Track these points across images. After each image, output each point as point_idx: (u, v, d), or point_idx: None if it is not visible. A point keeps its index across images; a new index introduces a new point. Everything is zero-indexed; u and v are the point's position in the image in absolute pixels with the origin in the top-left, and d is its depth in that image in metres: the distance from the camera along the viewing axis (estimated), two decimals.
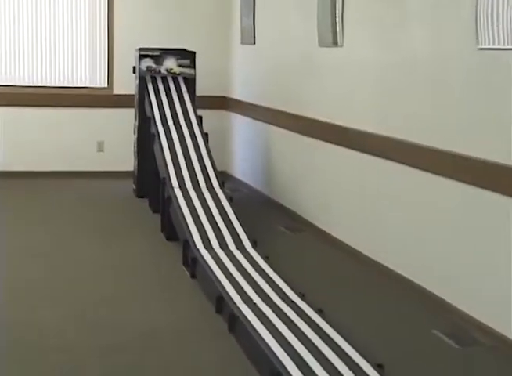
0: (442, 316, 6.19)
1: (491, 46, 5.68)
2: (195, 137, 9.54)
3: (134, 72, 10.43)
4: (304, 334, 5.45)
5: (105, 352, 5.49)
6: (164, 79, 10.30)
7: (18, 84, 11.77)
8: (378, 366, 4.90)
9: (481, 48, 5.79)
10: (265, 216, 9.54)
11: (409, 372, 5.00)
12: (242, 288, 6.45)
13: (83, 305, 6.50)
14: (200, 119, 9.88)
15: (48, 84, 11.87)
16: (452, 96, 6.28)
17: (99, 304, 6.50)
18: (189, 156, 9.20)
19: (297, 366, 4.87)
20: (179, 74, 10.32)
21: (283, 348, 5.15)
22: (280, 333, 5.45)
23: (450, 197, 6.29)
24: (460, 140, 6.13)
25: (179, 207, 8.28)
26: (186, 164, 9.06)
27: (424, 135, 6.63)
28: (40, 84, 11.85)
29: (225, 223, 8.07)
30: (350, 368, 4.87)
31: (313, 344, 5.27)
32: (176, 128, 9.63)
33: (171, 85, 10.28)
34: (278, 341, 5.27)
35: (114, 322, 6.12)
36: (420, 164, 6.68)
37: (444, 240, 6.38)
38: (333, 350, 5.15)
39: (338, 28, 8.26)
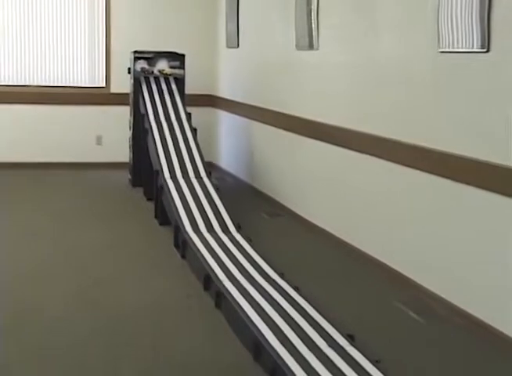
0: (404, 290, 6.18)
1: (450, 49, 5.69)
2: (184, 132, 9.55)
3: (129, 73, 10.39)
4: (282, 308, 5.47)
5: (103, 324, 5.46)
6: (157, 79, 10.28)
7: (24, 84, 11.77)
8: (349, 336, 4.91)
9: (442, 52, 5.79)
10: (248, 203, 9.52)
11: (375, 339, 4.98)
12: (227, 268, 6.44)
13: (82, 281, 6.48)
14: (189, 115, 9.87)
15: (52, 84, 11.88)
16: (416, 95, 6.26)
17: (97, 281, 6.49)
18: (180, 148, 9.20)
19: (276, 336, 4.89)
20: (170, 75, 10.30)
21: (264, 321, 5.17)
22: (261, 307, 5.47)
23: (410, 183, 6.28)
24: (421, 133, 6.12)
25: (171, 195, 8.29)
26: (177, 156, 9.07)
27: (390, 128, 6.62)
28: (44, 84, 11.85)
29: (211, 209, 8.07)
30: (323, 337, 4.89)
31: (290, 317, 5.29)
32: (167, 124, 9.63)
33: (163, 85, 10.26)
34: (259, 315, 5.30)
35: (111, 297, 6.09)
36: (384, 154, 6.69)
37: (405, 222, 6.38)
38: (308, 322, 5.18)
39: (314, 33, 8.24)
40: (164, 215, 8.31)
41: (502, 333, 5.06)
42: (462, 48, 5.54)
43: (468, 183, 5.46)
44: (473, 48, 5.40)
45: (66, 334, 5.25)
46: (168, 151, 9.11)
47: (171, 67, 10.30)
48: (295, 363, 4.47)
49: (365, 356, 4.59)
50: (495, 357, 4.96)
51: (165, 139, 9.34)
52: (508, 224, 5.05)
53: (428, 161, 6.00)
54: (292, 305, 5.53)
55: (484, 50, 5.27)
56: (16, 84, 11.73)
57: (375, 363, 4.49)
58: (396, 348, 5.03)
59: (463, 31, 5.50)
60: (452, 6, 5.63)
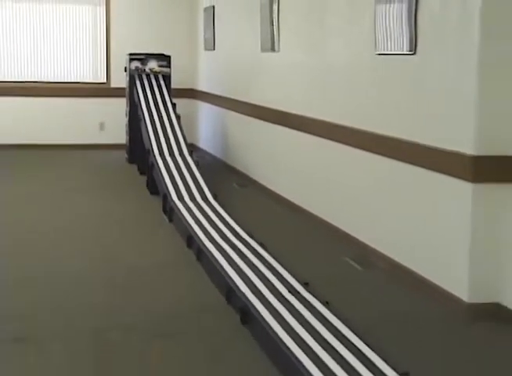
0: (350, 247, 6.17)
1: (385, 52, 5.68)
2: (171, 118, 9.52)
3: (125, 71, 10.36)
4: (250, 260, 5.48)
5: (104, 276, 5.46)
6: (148, 76, 10.23)
7: (39, 80, 11.74)
8: (304, 284, 4.91)
9: (379, 54, 5.78)
10: (222, 176, 9.49)
11: (326, 286, 4.97)
12: (206, 229, 6.44)
13: (83, 241, 6.46)
14: (174, 105, 9.83)
15: (62, 81, 11.87)
16: (359, 88, 6.25)
17: (97, 241, 6.49)
18: (167, 132, 9.19)
19: (245, 283, 4.89)
20: (159, 73, 10.27)
21: (235, 271, 5.18)
22: (233, 260, 5.48)
23: (355, 160, 6.26)
24: (365, 120, 6.08)
25: (159, 169, 8.29)
26: (164, 138, 9.07)
27: (340, 116, 6.58)
28: (56, 81, 11.83)
29: (193, 181, 8.06)
30: (283, 285, 4.90)
31: (257, 267, 5.31)
32: (157, 112, 9.60)
33: (153, 81, 10.20)
34: (231, 266, 5.30)
35: (110, 254, 6.08)
36: (334, 136, 6.64)
37: (352, 192, 6.37)
38: (271, 272, 5.20)
39: (275, 39, 8.20)
40: (154, 186, 8.28)
41: (422, 277, 5.10)
42: (394, 51, 5.54)
43: (402, 160, 5.45)
44: (403, 51, 5.40)
45: (77, 283, 5.24)
46: (157, 134, 9.10)
47: (160, 66, 10.29)
48: (260, 304, 4.47)
49: (317, 298, 4.61)
50: (415, 294, 4.99)
51: (155, 124, 9.33)
52: (435, 193, 5.06)
53: (369, 142, 5.98)
54: (258, 258, 5.54)
55: (412, 53, 5.27)
56: (32, 80, 11.71)
57: (325, 304, 4.50)
58: (342, 292, 5.04)
59: (395, 38, 5.51)
60: (385, 18, 5.65)
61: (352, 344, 3.91)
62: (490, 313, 4.57)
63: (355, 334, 4.05)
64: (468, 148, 4.58)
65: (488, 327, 4.46)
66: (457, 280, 4.74)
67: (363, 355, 3.77)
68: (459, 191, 4.69)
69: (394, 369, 3.59)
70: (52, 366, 3.84)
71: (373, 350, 3.82)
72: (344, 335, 4.03)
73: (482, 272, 4.62)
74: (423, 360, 3.98)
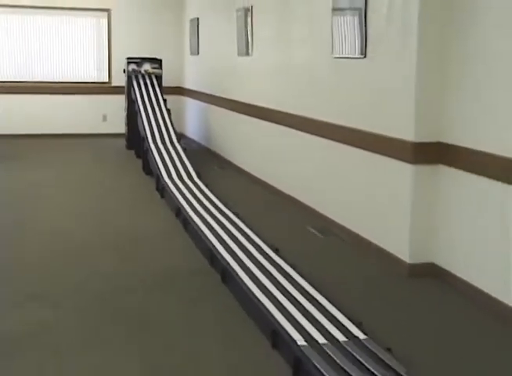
0: (313, 219, 6.19)
1: (341, 56, 5.67)
2: (162, 111, 9.46)
3: (124, 72, 10.26)
4: (228, 229, 5.49)
5: (106, 243, 5.45)
6: (143, 76, 10.12)
7: (52, 80, 11.60)
8: (275, 249, 4.94)
9: (335, 57, 5.77)
10: (205, 159, 9.44)
11: (293, 251, 4.99)
12: (191, 203, 6.44)
13: (89, 214, 6.43)
14: (165, 101, 9.75)
15: (71, 81, 11.71)
16: (318, 86, 6.24)
17: (99, 214, 6.44)
18: (159, 123, 9.13)
19: (225, 249, 4.90)
20: (152, 73, 10.16)
21: (215, 238, 5.21)
22: (214, 228, 5.49)
23: (314, 145, 6.26)
24: (323, 112, 6.08)
25: (153, 154, 8.27)
26: (157, 128, 9.01)
27: (302, 109, 6.58)
28: (66, 81, 11.67)
29: (181, 163, 8.05)
30: (256, 249, 4.92)
31: (233, 234, 5.33)
32: (151, 106, 9.53)
33: (147, 80, 10.10)
34: (212, 234, 5.32)
35: (114, 222, 6.08)
36: (297, 126, 6.64)
37: (314, 171, 6.38)
38: (245, 238, 5.22)
39: (249, 45, 8.16)
40: (148, 168, 8.25)
41: (372, 242, 5.15)
42: (348, 55, 5.54)
43: (354, 146, 5.46)
44: (355, 55, 5.39)
45: (83, 248, 5.23)
46: (151, 125, 9.04)
47: (153, 68, 10.19)
48: (237, 266, 4.49)
49: (286, 262, 4.62)
50: (366, 257, 5.03)
51: (149, 116, 9.26)
52: (382, 173, 5.09)
53: (326, 130, 5.98)
54: (235, 228, 5.55)
55: (363, 56, 5.27)
56: (46, 81, 11.57)
57: (293, 266, 4.53)
58: (306, 256, 5.05)
59: (349, 44, 5.50)
60: (341, 28, 5.63)
61: (314, 298, 3.94)
62: (426, 271, 4.62)
63: (317, 289, 4.08)
64: (409, 136, 4.60)
65: (425, 282, 4.52)
66: (400, 245, 4.78)
67: (323, 307, 3.80)
68: (402, 171, 4.71)
69: (350, 319, 3.63)
70: (64, 318, 3.84)
71: (331, 303, 3.86)
72: (307, 291, 4.06)
73: (420, 238, 4.67)
74: (374, 310, 4.01)
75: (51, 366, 3.24)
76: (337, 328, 3.50)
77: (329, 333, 3.43)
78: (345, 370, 3.02)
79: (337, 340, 3.35)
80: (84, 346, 3.49)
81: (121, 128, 10.73)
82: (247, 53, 8.27)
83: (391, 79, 4.87)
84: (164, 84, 10.25)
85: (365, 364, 3.09)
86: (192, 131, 11.62)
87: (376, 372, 3.01)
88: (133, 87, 9.92)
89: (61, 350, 3.43)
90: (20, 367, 3.22)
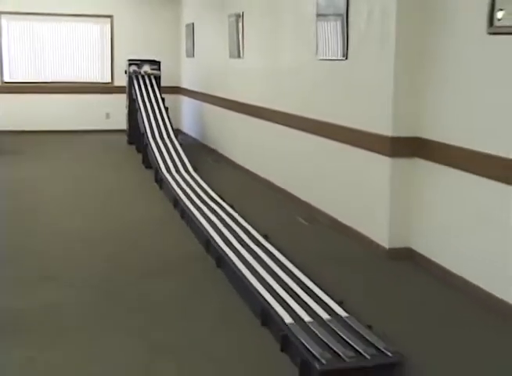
0: (299, 207, 6.19)
1: (324, 58, 5.66)
2: (160, 109, 9.43)
3: (125, 73, 10.21)
4: (222, 218, 5.47)
5: (109, 229, 5.44)
6: (143, 77, 10.08)
7: (59, 81, 11.60)
8: (264, 236, 4.93)
9: (320, 59, 5.76)
10: (200, 154, 9.41)
11: (281, 237, 4.98)
12: (188, 194, 6.41)
13: (93, 203, 6.42)
14: (163, 99, 9.72)
15: (77, 81, 11.70)
16: (304, 85, 6.22)
17: (102, 204, 6.42)
18: (157, 120, 9.11)
19: (219, 236, 4.89)
20: (151, 74, 10.13)
21: (211, 226, 5.18)
22: (209, 217, 5.47)
23: (298, 139, 6.26)
24: (309, 110, 6.08)
25: (152, 148, 8.24)
26: (156, 124, 8.99)
27: (289, 107, 6.57)
28: (72, 81, 11.66)
29: (178, 157, 8.03)
30: (248, 237, 4.91)
31: (227, 223, 5.31)
32: (150, 105, 9.50)
33: (147, 80, 10.06)
34: (208, 223, 5.29)
35: (113, 214, 6.03)
36: (285, 123, 6.62)
37: (299, 162, 6.38)
38: (238, 226, 5.21)
39: (240, 48, 8.14)
40: (148, 162, 8.21)
41: (354, 229, 5.15)
42: (331, 57, 5.53)
43: (338, 140, 5.45)
44: (337, 57, 5.38)
45: (88, 233, 5.21)
46: (150, 121, 9.01)
47: (152, 69, 10.15)
48: (231, 252, 4.48)
49: (275, 247, 4.62)
50: (348, 242, 5.03)
51: (148, 114, 9.23)
52: (363, 165, 5.08)
53: (312, 127, 5.96)
54: (228, 216, 5.54)
55: (344, 58, 5.26)
56: (54, 81, 11.55)
57: (280, 251, 4.52)
58: (294, 242, 5.04)
59: (332, 47, 5.49)
60: (324, 33, 5.63)
61: (300, 280, 3.94)
62: (404, 255, 4.63)
63: (303, 272, 4.08)
64: (387, 131, 4.61)
65: (402, 265, 4.53)
66: (380, 231, 4.78)
67: (308, 288, 3.80)
68: (381, 163, 4.71)
69: (333, 298, 3.64)
70: (72, 296, 3.84)
71: (316, 284, 3.86)
72: (294, 273, 4.06)
73: (398, 225, 4.67)
74: (355, 291, 4.02)
75: (60, 340, 3.25)
76: (321, 307, 3.50)
77: (314, 312, 3.44)
78: (329, 346, 3.03)
79: (321, 318, 3.36)
80: (90, 323, 3.49)
81: (123, 125, 10.68)
82: (239, 56, 8.24)
83: (371, 79, 4.86)
84: (162, 84, 10.21)
85: (348, 340, 3.09)
86: (188, 127, 11.58)
87: (357, 347, 3.01)
88: (134, 87, 9.87)
89: (68, 326, 3.44)
90: (35, 341, 3.23)
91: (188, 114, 11.62)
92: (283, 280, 3.93)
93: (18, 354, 3.10)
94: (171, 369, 3.02)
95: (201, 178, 7.28)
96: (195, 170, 7.66)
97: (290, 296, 3.67)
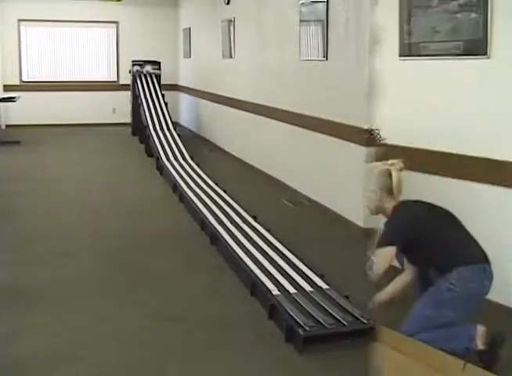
0: (285, 192, 6.13)
1: (306, 58, 5.61)
2: (160, 104, 9.33)
3: (130, 72, 10.11)
4: (216, 201, 5.42)
5: (114, 211, 5.38)
6: (145, 76, 9.95)
7: (71, 80, 11.45)
8: (253, 217, 4.90)
9: (302, 60, 5.71)
10: (197, 144, 9.31)
11: (269, 218, 4.93)
12: (185, 179, 6.35)
13: (99, 188, 6.33)
14: (163, 96, 9.61)
15: (86, 80, 11.53)
16: (288, 83, 6.16)
17: (109, 188, 6.36)
18: (158, 114, 9.02)
19: (213, 217, 4.85)
20: (153, 73, 10.00)
21: (206, 208, 5.13)
22: (204, 201, 5.42)
23: (282, 130, 6.21)
24: (292, 104, 6.02)
25: (153, 139, 8.16)
26: (156, 117, 8.90)
27: (275, 102, 6.51)
28: (82, 80, 11.50)
29: (176, 147, 7.95)
30: (239, 217, 4.89)
31: (220, 205, 5.27)
32: (152, 100, 9.40)
33: (148, 79, 9.93)
34: (203, 205, 5.25)
35: (118, 197, 5.97)
36: (271, 116, 6.58)
37: (282, 151, 6.33)
38: (230, 208, 5.18)
39: (232, 49, 8.06)
40: (150, 151, 8.11)
41: (333, 210, 5.12)
42: (312, 58, 5.47)
43: (318, 131, 5.41)
44: (318, 58, 5.33)
45: (96, 214, 5.17)
46: (152, 115, 8.92)
47: (153, 69, 10.02)
48: (223, 231, 4.45)
49: (263, 227, 4.59)
50: (328, 222, 5.01)
51: (150, 108, 9.13)
52: (341, 153, 5.05)
53: (295, 119, 5.92)
54: (221, 200, 5.50)
55: (325, 59, 5.21)
56: (67, 80, 11.41)
57: (268, 231, 4.50)
58: (280, 222, 4.99)
59: (313, 49, 5.44)
60: (306, 35, 5.58)
61: (285, 255, 3.92)
62: (377, 234, 4.61)
63: (287, 248, 4.06)
64: (362, 123, 4.57)
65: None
66: (356, 212, 4.75)
67: (293, 262, 3.79)
68: (356, 152, 4.67)
69: (315, 272, 3.62)
70: (83, 268, 3.82)
71: (299, 259, 3.84)
72: (279, 250, 4.04)
73: None
74: (335, 265, 3.99)
75: (70, 311, 3.22)
76: (304, 280, 3.49)
77: (298, 284, 3.43)
78: (311, 314, 3.01)
79: (304, 290, 3.34)
80: (98, 293, 3.48)
81: (127, 119, 10.56)
82: (230, 56, 8.16)
83: (348, 78, 4.81)
84: (162, 82, 10.09)
85: (328, 309, 3.08)
86: (185, 120, 11.49)
87: (336, 315, 3.00)
88: (137, 85, 9.77)
89: (76, 298, 3.42)
90: (51, 310, 3.19)
91: (185, 109, 11.53)
92: (270, 256, 3.91)
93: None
94: (173, 331, 2.99)
95: (197, 165, 7.21)
96: (191, 158, 7.59)
97: (277, 270, 3.65)
